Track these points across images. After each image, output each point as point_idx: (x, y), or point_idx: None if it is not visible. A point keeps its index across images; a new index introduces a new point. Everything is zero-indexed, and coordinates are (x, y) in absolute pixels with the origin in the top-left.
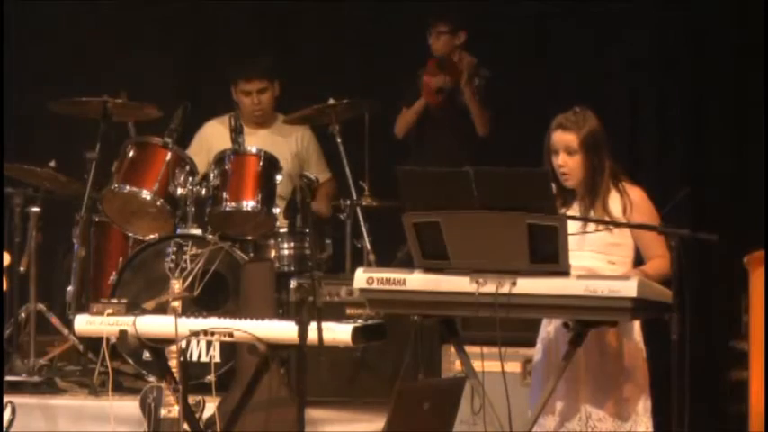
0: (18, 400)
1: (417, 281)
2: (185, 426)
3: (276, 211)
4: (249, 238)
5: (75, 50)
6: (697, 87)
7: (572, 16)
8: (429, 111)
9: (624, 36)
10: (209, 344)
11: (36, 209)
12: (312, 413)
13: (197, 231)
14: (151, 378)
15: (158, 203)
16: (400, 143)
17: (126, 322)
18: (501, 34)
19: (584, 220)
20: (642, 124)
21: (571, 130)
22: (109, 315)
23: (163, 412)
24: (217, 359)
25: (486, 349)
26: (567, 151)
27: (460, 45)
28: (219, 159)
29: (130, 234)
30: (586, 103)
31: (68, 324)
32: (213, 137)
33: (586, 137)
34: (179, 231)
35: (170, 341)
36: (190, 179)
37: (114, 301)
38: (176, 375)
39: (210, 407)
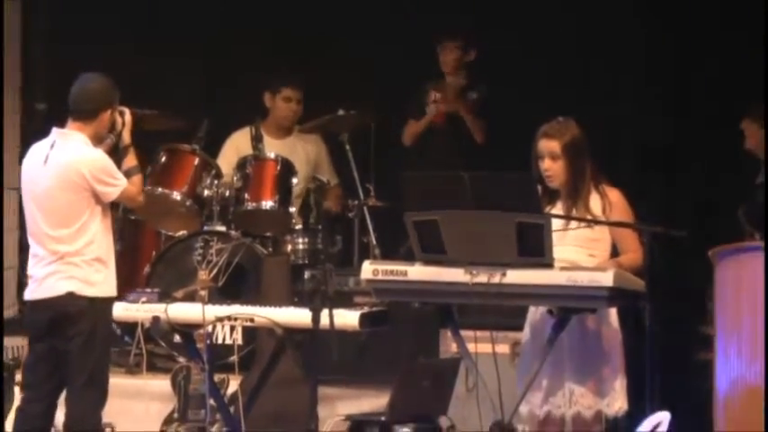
0: None
1: (418, 272)
2: (211, 401)
3: (292, 210)
4: (268, 234)
5: (106, 63)
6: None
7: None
8: (433, 122)
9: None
10: (232, 328)
11: None
12: (324, 390)
13: (222, 228)
14: (181, 359)
15: (187, 203)
16: (403, 149)
17: (158, 309)
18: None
19: (567, 218)
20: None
21: (554, 138)
22: (143, 303)
23: (191, 389)
24: (239, 342)
25: (478, 333)
26: (550, 156)
27: (467, 61)
28: (241, 164)
29: (162, 231)
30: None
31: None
32: (240, 144)
33: (568, 144)
34: (206, 228)
35: (198, 326)
36: (215, 182)
37: (148, 290)
38: (203, 356)
39: (234, 384)
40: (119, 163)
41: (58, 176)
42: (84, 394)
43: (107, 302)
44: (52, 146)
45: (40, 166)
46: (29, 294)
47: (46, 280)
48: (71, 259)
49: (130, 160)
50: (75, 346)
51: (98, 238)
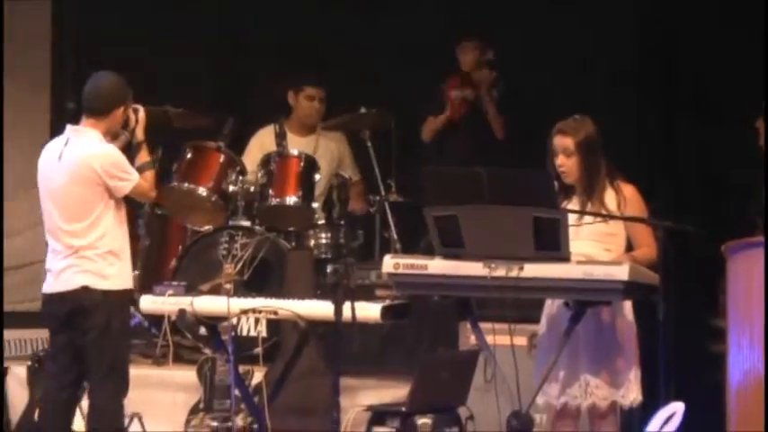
0: None
1: (437, 266)
2: (236, 392)
3: (315, 205)
4: (291, 229)
5: (133, 63)
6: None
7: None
8: (451, 118)
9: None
10: (256, 321)
11: None
12: (346, 381)
13: (246, 223)
14: (206, 350)
15: (213, 199)
16: (423, 146)
17: (185, 302)
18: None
19: (583, 213)
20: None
21: (568, 135)
22: (170, 296)
23: (217, 380)
24: (263, 334)
25: (497, 325)
26: (565, 153)
27: (486, 60)
28: (266, 161)
29: (188, 225)
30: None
31: (135, 304)
32: (264, 141)
33: (582, 141)
34: (231, 223)
35: (223, 318)
36: (240, 178)
37: (175, 283)
38: (228, 348)
39: (258, 376)
40: (133, 159)
41: (71, 172)
42: (105, 385)
43: (122, 295)
44: (66, 142)
45: (55, 162)
46: (46, 287)
47: (62, 274)
48: (85, 253)
49: (143, 156)
50: (91, 338)
51: (111, 231)
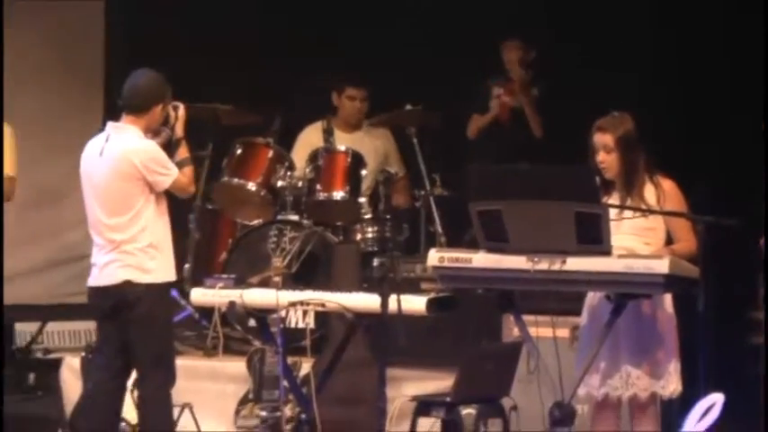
0: None
1: (482, 259)
2: (284, 382)
3: (361, 200)
4: (339, 223)
5: (184, 63)
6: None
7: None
8: (498, 119)
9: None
10: (304, 313)
11: None
12: (391, 372)
13: (294, 217)
14: (256, 342)
15: (262, 193)
16: (467, 142)
17: (234, 294)
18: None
19: (623, 207)
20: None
21: (608, 132)
22: (220, 288)
23: (266, 371)
24: (311, 326)
25: (539, 318)
26: (605, 149)
27: (529, 60)
28: (313, 156)
29: (238, 220)
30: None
31: (186, 296)
32: (312, 138)
33: (621, 137)
34: (279, 217)
35: (272, 311)
36: (289, 173)
37: (225, 276)
38: (277, 340)
39: (306, 366)
40: (173, 155)
41: (112, 167)
42: (152, 376)
43: (164, 287)
44: (107, 139)
45: (97, 158)
46: (91, 281)
47: (106, 268)
48: (126, 247)
49: (182, 152)
50: (135, 331)
51: (151, 225)
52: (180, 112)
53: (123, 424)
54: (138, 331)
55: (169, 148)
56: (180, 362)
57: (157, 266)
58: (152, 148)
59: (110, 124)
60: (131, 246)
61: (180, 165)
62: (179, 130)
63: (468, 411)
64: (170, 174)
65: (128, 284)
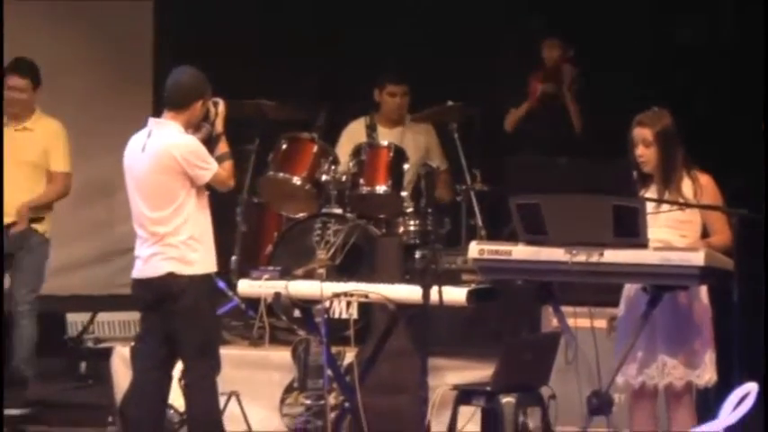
0: None
1: (521, 252)
2: (329, 371)
3: (404, 194)
4: (381, 216)
5: (232, 60)
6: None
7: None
8: (533, 110)
9: None
10: (348, 304)
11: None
12: (433, 361)
13: (338, 211)
14: (301, 332)
15: (307, 187)
16: (507, 136)
17: (280, 286)
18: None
19: (660, 201)
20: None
21: (647, 126)
22: (266, 280)
23: (311, 360)
24: (355, 317)
25: (578, 309)
26: (644, 144)
27: (568, 57)
28: (357, 151)
29: (283, 213)
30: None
31: (233, 287)
32: (356, 133)
33: (660, 132)
34: (324, 211)
35: (316, 301)
36: (333, 167)
37: (270, 268)
38: (321, 330)
39: (350, 356)
40: (214, 150)
41: (153, 162)
42: (198, 365)
43: (206, 278)
44: (149, 135)
45: (139, 153)
46: (136, 273)
47: (150, 260)
48: (168, 240)
49: (222, 147)
50: (180, 322)
51: (192, 217)
52: (220, 108)
53: (171, 411)
54: (183, 322)
55: (209, 143)
56: (227, 351)
57: (199, 258)
58: (192, 142)
59: (151, 120)
60: (174, 238)
61: (220, 159)
62: (219, 126)
63: (507, 400)
64: (210, 168)
65: (171, 276)
